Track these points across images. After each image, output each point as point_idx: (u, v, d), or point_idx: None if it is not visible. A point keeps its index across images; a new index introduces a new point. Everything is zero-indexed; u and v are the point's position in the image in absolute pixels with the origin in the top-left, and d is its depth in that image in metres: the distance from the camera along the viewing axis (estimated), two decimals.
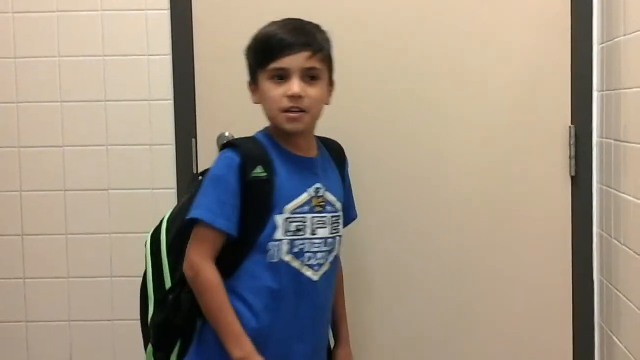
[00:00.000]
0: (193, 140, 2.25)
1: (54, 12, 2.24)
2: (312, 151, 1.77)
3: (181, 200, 1.82)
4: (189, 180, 2.20)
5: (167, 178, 2.26)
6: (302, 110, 1.66)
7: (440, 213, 2.25)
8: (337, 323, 1.89)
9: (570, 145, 2.20)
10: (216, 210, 1.63)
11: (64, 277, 2.30)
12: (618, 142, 2.00)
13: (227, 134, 2.24)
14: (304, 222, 1.69)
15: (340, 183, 1.82)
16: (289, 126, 1.67)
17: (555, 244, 2.23)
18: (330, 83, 1.75)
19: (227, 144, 1.72)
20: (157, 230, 1.78)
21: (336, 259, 1.79)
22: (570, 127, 2.20)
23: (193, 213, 1.64)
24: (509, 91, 2.21)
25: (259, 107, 1.66)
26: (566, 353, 2.25)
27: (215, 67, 2.24)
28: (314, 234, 1.70)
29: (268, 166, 1.67)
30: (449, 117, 2.23)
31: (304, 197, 1.69)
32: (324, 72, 1.70)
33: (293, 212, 1.67)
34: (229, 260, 1.66)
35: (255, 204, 1.65)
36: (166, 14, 2.22)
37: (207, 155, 2.23)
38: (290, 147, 1.72)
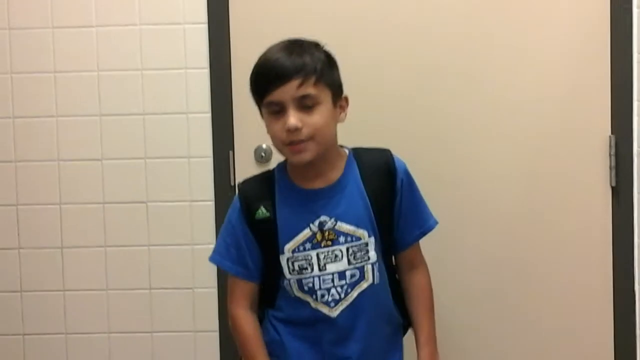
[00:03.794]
0: (230, 152, 2.26)
1: (92, 26, 2.25)
2: (326, 178, 1.65)
3: None
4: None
5: (205, 190, 2.26)
6: (304, 140, 1.56)
7: (480, 224, 2.24)
8: (417, 345, 1.73)
9: (610, 155, 2.19)
10: (224, 253, 1.68)
11: (102, 290, 2.31)
12: None
13: (264, 146, 2.25)
14: (309, 260, 1.62)
15: (365, 206, 1.64)
16: (296, 159, 1.59)
17: (596, 255, 2.22)
18: (338, 100, 1.63)
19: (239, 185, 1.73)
20: None
21: (374, 288, 1.65)
22: (610, 137, 2.18)
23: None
24: (549, 101, 2.20)
25: None
26: None
27: None
28: (322, 270, 1.62)
29: (270, 205, 1.64)
30: (489, 128, 2.22)
31: (305, 233, 1.62)
32: (322, 95, 1.57)
33: (294, 252, 1.62)
34: (268, 293, 1.70)
35: (265, 244, 1.65)
36: (204, 27, 2.23)
37: (244, 168, 2.24)
38: (298, 178, 1.66)
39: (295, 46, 1.59)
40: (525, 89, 2.21)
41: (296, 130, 1.54)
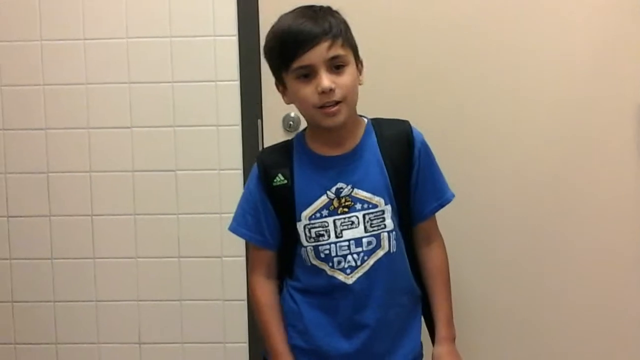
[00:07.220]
0: (259, 121, 2.26)
1: None
2: (345, 145, 1.66)
3: None
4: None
5: (233, 159, 2.27)
6: (338, 102, 1.57)
7: (506, 193, 2.23)
8: (434, 320, 1.74)
9: None
10: (240, 220, 1.72)
11: (132, 258, 2.33)
12: None
13: (292, 114, 2.25)
14: (325, 227, 1.63)
15: (383, 175, 1.65)
16: (329, 122, 1.59)
17: (626, 225, 2.20)
18: (358, 62, 1.65)
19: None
20: None
21: (390, 256, 1.65)
22: None
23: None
24: (578, 68, 2.18)
25: None
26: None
27: None
28: (339, 237, 1.63)
29: (288, 172, 1.66)
30: (515, 94, 2.20)
31: (322, 200, 1.64)
32: (349, 56, 1.60)
33: (311, 219, 1.64)
34: (286, 262, 1.71)
35: (283, 211, 1.66)
36: None
37: (272, 136, 2.24)
38: (317, 146, 1.67)
39: (315, 11, 1.61)
40: (553, 54, 2.18)
41: (330, 91, 1.56)
